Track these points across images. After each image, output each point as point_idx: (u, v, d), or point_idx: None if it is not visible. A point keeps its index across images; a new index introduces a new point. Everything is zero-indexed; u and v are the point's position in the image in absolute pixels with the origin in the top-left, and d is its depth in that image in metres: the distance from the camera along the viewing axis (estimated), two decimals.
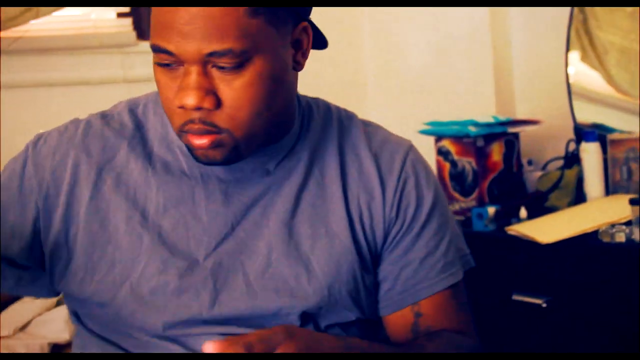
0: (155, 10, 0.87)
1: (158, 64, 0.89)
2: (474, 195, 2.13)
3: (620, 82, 2.29)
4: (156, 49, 0.87)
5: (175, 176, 0.98)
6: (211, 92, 0.87)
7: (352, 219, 1.00)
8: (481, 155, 2.12)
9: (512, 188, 2.13)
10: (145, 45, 2.22)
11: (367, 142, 1.04)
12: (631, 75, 2.24)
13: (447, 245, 1.05)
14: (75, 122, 1.02)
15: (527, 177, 2.21)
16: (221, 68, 0.87)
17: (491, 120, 2.13)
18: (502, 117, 2.19)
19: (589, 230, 1.75)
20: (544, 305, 1.83)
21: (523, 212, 1.99)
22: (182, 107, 0.88)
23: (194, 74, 0.86)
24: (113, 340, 0.98)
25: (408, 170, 1.04)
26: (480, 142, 2.11)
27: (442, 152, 2.19)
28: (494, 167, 2.14)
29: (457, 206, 2.16)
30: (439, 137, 2.19)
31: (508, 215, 2.01)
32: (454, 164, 2.17)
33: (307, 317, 0.97)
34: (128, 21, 2.20)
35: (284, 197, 0.99)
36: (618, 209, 1.80)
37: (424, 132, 2.20)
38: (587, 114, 2.29)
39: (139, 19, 2.21)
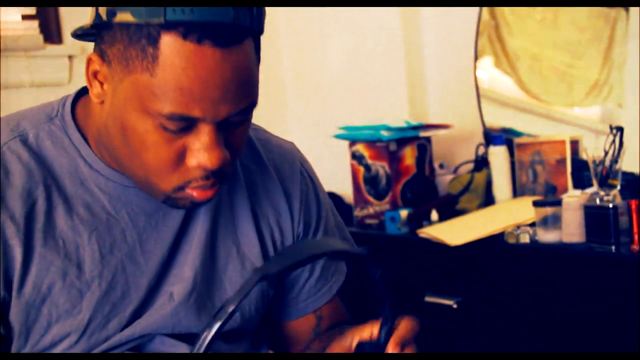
0: (166, 76, 0.77)
1: (164, 129, 0.80)
2: (388, 198, 2.15)
3: (532, 87, 2.36)
4: (173, 117, 0.79)
5: (101, 219, 0.90)
6: (224, 145, 0.83)
7: (264, 237, 1.01)
8: (394, 159, 2.14)
9: (425, 191, 2.16)
10: (52, 49, 2.17)
11: (265, 153, 1.04)
12: (543, 79, 2.31)
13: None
14: None
15: (439, 180, 2.25)
16: (236, 120, 0.83)
17: (403, 124, 2.16)
18: (414, 122, 2.22)
19: (496, 232, 1.79)
20: (455, 306, 1.86)
21: (434, 215, 2.03)
22: (202, 168, 0.82)
23: (212, 134, 0.81)
24: None
25: (306, 178, 1.06)
26: (393, 147, 2.14)
27: (356, 157, 2.21)
28: (406, 170, 2.17)
29: (370, 210, 2.19)
30: (353, 142, 2.21)
31: (420, 218, 2.04)
32: (367, 168, 2.19)
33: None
34: (34, 24, 2.13)
35: (202, 220, 0.96)
36: (524, 210, 1.85)
37: (338, 136, 2.22)
38: (501, 119, 2.35)
39: (45, 21, 2.15)
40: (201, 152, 0.81)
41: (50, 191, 0.89)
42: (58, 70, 2.16)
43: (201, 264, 0.95)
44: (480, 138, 2.26)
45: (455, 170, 2.33)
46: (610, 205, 1.57)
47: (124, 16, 0.77)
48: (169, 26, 0.76)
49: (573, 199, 1.67)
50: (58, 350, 0.89)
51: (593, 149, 1.67)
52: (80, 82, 2.15)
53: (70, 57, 2.21)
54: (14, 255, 0.86)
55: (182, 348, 0.95)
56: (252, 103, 0.82)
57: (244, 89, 0.80)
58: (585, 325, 1.64)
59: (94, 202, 0.90)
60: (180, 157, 0.83)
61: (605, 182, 1.60)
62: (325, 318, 1.08)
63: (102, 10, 0.79)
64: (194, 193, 0.85)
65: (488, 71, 2.37)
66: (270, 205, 1.01)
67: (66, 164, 0.90)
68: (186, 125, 0.80)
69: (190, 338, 0.96)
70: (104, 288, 0.89)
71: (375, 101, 2.54)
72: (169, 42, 0.76)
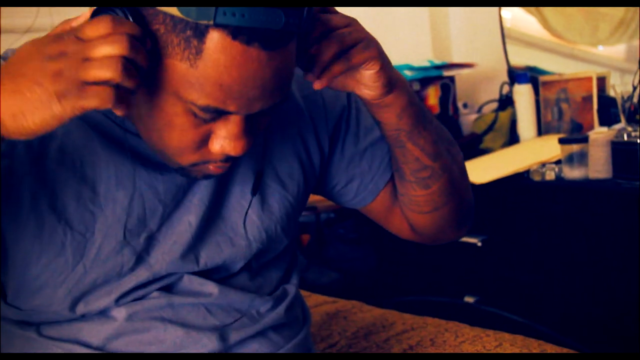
0: (208, 70, 0.75)
1: (195, 115, 0.79)
2: None
3: (556, 26, 2.33)
4: (207, 110, 0.78)
5: (119, 149, 0.89)
6: (249, 132, 0.82)
7: (281, 151, 0.99)
8: None
9: (449, 131, 2.15)
10: None
11: (298, 86, 1.02)
12: (566, 18, 2.28)
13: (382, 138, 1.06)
14: None
15: (462, 119, 2.24)
16: (266, 111, 0.81)
17: (426, 64, 2.15)
18: (438, 61, 2.20)
19: (521, 170, 1.79)
20: (480, 244, 1.88)
21: None
22: (224, 154, 0.81)
23: (241, 124, 0.80)
24: (36, 320, 0.93)
25: (323, 90, 1.02)
26: (416, 86, 2.13)
27: None
28: (430, 110, 2.16)
29: None
30: None
31: None
32: None
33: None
34: None
35: None
36: (549, 148, 1.85)
37: None
38: (524, 58, 2.32)
39: None
40: (227, 140, 0.80)
41: (82, 120, 0.87)
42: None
43: (217, 189, 0.94)
44: (504, 77, 2.24)
45: (479, 110, 2.32)
46: (638, 141, 1.56)
47: (169, 8, 0.73)
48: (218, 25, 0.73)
49: (600, 135, 1.66)
50: (72, 279, 0.89)
51: (620, 87, 1.65)
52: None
53: None
54: (23, 170, 0.85)
55: (209, 286, 0.95)
56: (286, 96, 0.81)
57: (281, 88, 0.79)
58: (611, 260, 1.64)
59: (114, 130, 0.89)
60: (204, 139, 0.81)
61: (633, 118, 1.59)
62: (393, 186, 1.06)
63: None
64: (210, 167, 0.85)
65: (511, 10, 2.34)
66: (295, 122, 1.00)
67: (101, 113, 0.89)
68: (217, 115, 0.79)
69: (219, 278, 0.96)
70: (118, 213, 0.89)
71: (398, 41, 2.51)
72: (216, 39, 0.73)
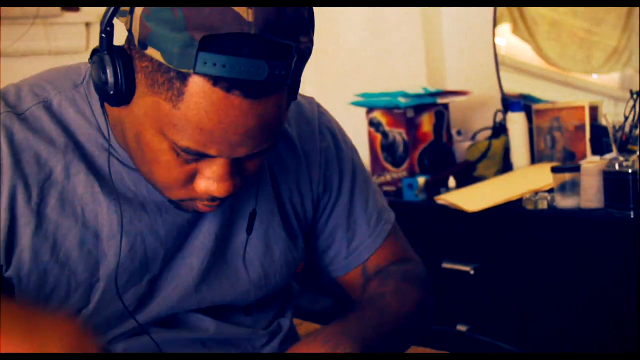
0: (189, 113, 0.74)
1: (178, 155, 0.79)
2: (405, 166, 2.15)
3: (550, 53, 2.34)
4: (188, 152, 0.78)
5: (121, 191, 0.89)
6: (237, 174, 0.82)
7: (283, 201, 1.00)
8: (412, 126, 2.14)
9: (442, 158, 2.16)
10: (70, 17, 2.18)
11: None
12: (561, 46, 2.29)
13: (374, 195, 1.08)
14: None
15: (456, 147, 2.24)
16: (255, 155, 0.80)
17: (421, 91, 2.16)
18: (432, 89, 2.21)
19: (514, 199, 1.79)
20: (472, 272, 1.87)
21: (452, 182, 2.03)
22: (208, 194, 0.81)
23: (226, 166, 0.79)
24: None
25: (325, 135, 1.04)
26: (410, 114, 2.14)
27: (373, 124, 2.21)
28: (424, 137, 2.17)
29: (388, 177, 2.19)
30: (370, 109, 2.21)
31: (438, 185, 2.04)
32: (385, 135, 2.19)
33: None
34: None
35: None
36: (542, 177, 1.85)
37: (355, 103, 2.22)
38: (518, 85, 2.33)
39: None
40: (211, 182, 0.80)
41: (71, 157, 0.87)
42: (75, 37, 2.17)
43: (220, 232, 0.94)
44: (498, 105, 2.25)
45: (473, 137, 2.32)
46: (630, 171, 1.56)
47: (154, 53, 0.73)
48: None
49: (592, 164, 1.67)
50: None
51: (613, 116, 1.66)
52: None
53: (87, 25, 2.21)
54: (24, 223, 0.85)
55: (206, 322, 0.95)
56: (275, 143, 0.80)
57: (267, 135, 0.78)
58: (602, 291, 1.64)
59: (114, 173, 0.89)
60: (190, 178, 0.82)
61: (624, 148, 1.59)
62: (372, 265, 1.07)
63: (136, 31, 0.75)
64: (198, 205, 0.85)
65: (506, 38, 2.35)
66: (289, 168, 1.00)
67: (87, 133, 0.89)
68: (199, 157, 0.79)
69: (216, 315, 0.97)
70: (122, 258, 0.88)
71: (393, 68, 2.53)
72: (197, 84, 0.73)
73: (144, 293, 0.91)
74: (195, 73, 0.72)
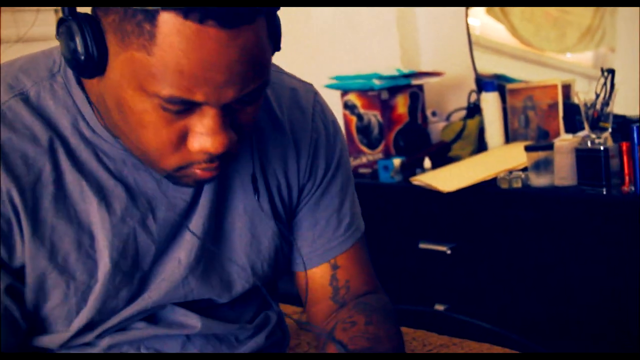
0: (165, 56, 0.69)
1: (164, 109, 0.73)
2: (380, 147, 2.15)
3: (524, 33, 2.34)
4: (172, 101, 0.71)
5: (109, 186, 0.85)
6: (230, 127, 0.76)
7: (272, 192, 0.96)
8: (386, 107, 2.14)
9: (417, 139, 2.17)
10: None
11: (276, 99, 0.97)
12: (534, 26, 2.29)
13: (352, 198, 1.04)
14: None
15: (431, 128, 2.25)
16: (246, 100, 0.75)
17: (395, 73, 2.15)
18: (406, 70, 2.21)
19: (488, 178, 1.80)
20: (449, 252, 1.88)
21: (427, 163, 2.03)
22: (205, 152, 0.76)
23: (217, 117, 0.73)
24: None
25: (318, 125, 0.99)
26: (384, 95, 2.13)
27: (348, 106, 2.21)
28: (399, 119, 2.17)
29: (364, 159, 2.19)
30: (345, 91, 2.21)
31: (413, 166, 2.05)
32: (360, 117, 2.19)
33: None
34: None
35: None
36: (516, 156, 1.86)
37: (329, 86, 2.21)
38: (493, 66, 2.34)
39: None
40: (204, 137, 0.74)
41: (57, 156, 0.82)
42: (47, 25, 2.14)
43: (208, 225, 0.91)
44: (472, 85, 2.26)
45: (448, 118, 2.33)
46: (602, 148, 1.57)
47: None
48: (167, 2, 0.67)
49: (565, 142, 1.68)
50: (74, 322, 0.87)
51: (586, 94, 1.66)
52: None
53: (56, 11, 2.18)
54: (20, 228, 0.81)
55: (193, 319, 0.93)
56: (263, 83, 0.75)
57: (253, 71, 0.72)
58: (577, 267, 1.66)
59: (100, 167, 0.85)
60: (182, 138, 0.76)
61: (596, 125, 1.60)
62: (342, 269, 1.01)
63: None
64: (197, 171, 0.79)
65: (480, 18, 2.35)
66: (279, 157, 0.96)
67: (69, 125, 0.83)
68: (187, 107, 0.73)
69: (201, 308, 0.94)
70: (115, 257, 0.85)
71: (366, 50, 2.52)
72: (168, 20, 0.67)
73: (135, 289, 0.89)
74: (163, 8, 0.67)
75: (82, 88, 0.84)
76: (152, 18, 0.68)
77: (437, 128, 2.24)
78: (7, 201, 0.80)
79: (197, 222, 0.90)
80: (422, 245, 1.95)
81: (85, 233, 0.84)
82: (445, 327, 1.43)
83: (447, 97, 2.42)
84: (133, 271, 0.88)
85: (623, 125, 1.68)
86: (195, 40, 0.68)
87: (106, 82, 0.76)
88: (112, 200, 0.85)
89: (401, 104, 2.17)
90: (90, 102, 0.83)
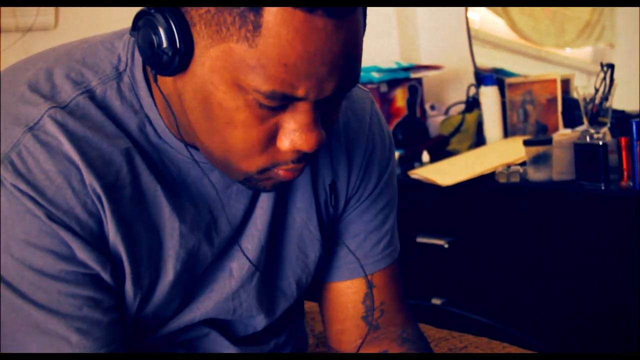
0: (269, 48, 0.66)
1: (260, 106, 0.69)
2: None
3: (523, 28, 2.34)
4: (273, 96, 0.68)
5: (176, 194, 0.81)
6: (320, 125, 0.72)
7: (320, 205, 0.92)
8: (385, 100, 2.14)
9: (416, 133, 2.17)
10: None
11: None
12: (534, 21, 2.29)
13: (394, 218, 0.99)
14: (38, 128, 0.74)
15: (430, 121, 2.25)
16: (337, 97, 0.72)
17: (394, 66, 2.15)
18: (405, 63, 2.21)
19: (487, 172, 1.80)
20: (446, 246, 1.88)
21: (425, 156, 2.03)
22: (295, 150, 0.72)
23: (312, 113, 0.70)
24: None
25: (374, 136, 0.94)
26: (383, 88, 2.13)
27: None
28: (398, 112, 2.17)
29: None
30: None
31: (412, 160, 2.05)
32: None
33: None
34: None
35: (268, 194, 0.88)
36: (514, 150, 1.86)
37: None
38: (492, 60, 2.34)
39: None
40: (297, 134, 0.71)
41: (132, 157, 0.78)
42: (44, 14, 2.13)
43: (265, 240, 0.88)
44: (471, 79, 2.26)
45: (447, 112, 2.32)
46: (600, 143, 1.57)
47: None
48: None
49: (563, 137, 1.68)
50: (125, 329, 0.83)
51: (585, 89, 1.66)
52: (68, 27, 2.13)
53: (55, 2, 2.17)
54: (107, 228, 0.77)
55: (230, 349, 0.90)
56: (355, 78, 0.72)
57: (352, 64, 0.70)
58: (574, 261, 1.66)
59: (166, 174, 0.80)
60: (271, 137, 0.72)
61: (595, 120, 1.60)
62: (377, 289, 0.97)
63: None
64: (280, 172, 0.75)
65: (479, 12, 2.35)
66: (330, 167, 0.91)
67: (136, 128, 0.79)
68: (285, 103, 0.70)
69: (239, 339, 0.92)
70: (179, 269, 0.82)
71: (365, 42, 2.51)
72: (275, 9, 0.64)
73: (182, 301, 0.85)
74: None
75: (150, 90, 0.79)
76: (257, 8, 0.65)
77: (435, 122, 2.24)
78: (95, 199, 0.75)
79: (254, 234, 0.87)
80: (420, 239, 1.95)
81: (155, 240, 0.80)
82: (442, 321, 1.43)
83: (446, 91, 2.42)
84: (189, 281, 0.84)
85: (622, 121, 1.68)
86: (303, 31, 0.65)
87: (190, 78, 0.71)
88: (182, 210, 0.81)
89: (400, 97, 2.17)
90: (156, 106, 0.80)
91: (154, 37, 0.70)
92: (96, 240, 0.76)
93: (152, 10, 0.69)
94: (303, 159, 0.74)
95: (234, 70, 0.67)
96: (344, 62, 0.68)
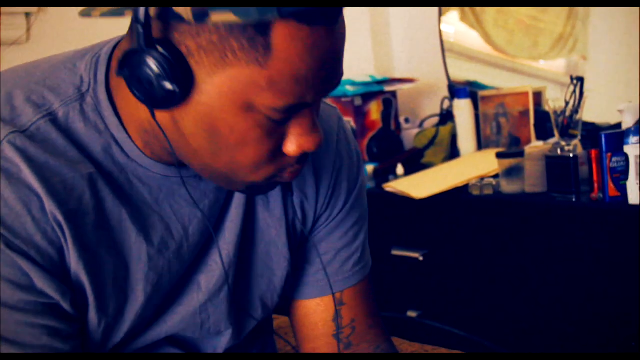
0: (281, 66, 0.67)
1: (271, 120, 0.71)
2: None
3: (498, 40, 2.36)
4: (287, 110, 0.70)
5: (145, 215, 0.80)
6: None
7: (289, 222, 0.91)
8: (359, 114, 2.14)
9: (390, 146, 2.17)
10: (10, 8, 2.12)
11: None
12: (508, 33, 2.31)
13: (364, 234, 0.98)
14: None
15: (404, 134, 2.25)
16: (324, 97, 0.76)
17: (368, 79, 2.16)
18: (379, 76, 2.21)
19: (460, 185, 1.81)
20: (421, 258, 1.88)
21: (400, 169, 2.03)
22: (302, 151, 0.74)
23: (313, 114, 0.73)
24: None
25: (341, 153, 0.94)
26: (358, 101, 2.14)
27: None
28: (372, 125, 2.17)
29: None
30: None
31: (386, 173, 2.05)
32: None
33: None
34: None
35: (237, 206, 0.87)
36: (488, 163, 1.87)
37: None
38: (467, 72, 2.35)
39: None
40: (303, 137, 0.73)
41: (95, 182, 0.76)
42: (15, 28, 2.11)
43: (234, 254, 0.87)
44: (445, 92, 2.27)
45: (421, 124, 2.33)
46: (571, 155, 1.58)
47: (224, 16, 0.65)
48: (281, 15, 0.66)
49: (535, 149, 1.69)
50: (94, 348, 0.82)
51: (558, 101, 1.68)
52: (41, 41, 2.11)
53: (27, 15, 2.15)
54: (69, 256, 0.75)
55: None
56: (342, 74, 0.75)
57: (342, 63, 0.73)
58: (547, 273, 1.66)
59: (135, 195, 0.79)
60: (279, 146, 0.74)
61: (566, 132, 1.61)
62: (347, 307, 0.96)
63: (180, 8, 0.66)
64: (285, 175, 0.77)
65: (454, 25, 2.36)
66: (297, 184, 0.91)
67: (101, 150, 0.77)
68: (294, 112, 0.72)
69: (208, 343, 0.91)
70: (149, 292, 0.81)
71: None
72: (282, 29, 0.66)
73: (151, 318, 0.84)
74: (281, 16, 0.65)
75: (114, 110, 0.78)
76: (265, 30, 0.66)
77: (410, 135, 2.24)
78: (56, 227, 0.73)
79: (224, 247, 0.87)
80: (395, 252, 1.95)
81: (122, 265, 0.79)
82: (417, 334, 1.43)
83: (420, 104, 2.43)
84: (158, 300, 0.83)
85: (593, 133, 1.70)
86: (310, 44, 0.68)
87: (192, 107, 0.70)
88: (150, 231, 0.80)
89: (374, 110, 2.18)
90: (123, 126, 0.78)
91: (150, 76, 0.69)
92: (56, 269, 0.74)
93: (143, 48, 0.68)
94: (304, 158, 0.76)
95: (243, 93, 0.69)
96: (338, 61, 0.72)
